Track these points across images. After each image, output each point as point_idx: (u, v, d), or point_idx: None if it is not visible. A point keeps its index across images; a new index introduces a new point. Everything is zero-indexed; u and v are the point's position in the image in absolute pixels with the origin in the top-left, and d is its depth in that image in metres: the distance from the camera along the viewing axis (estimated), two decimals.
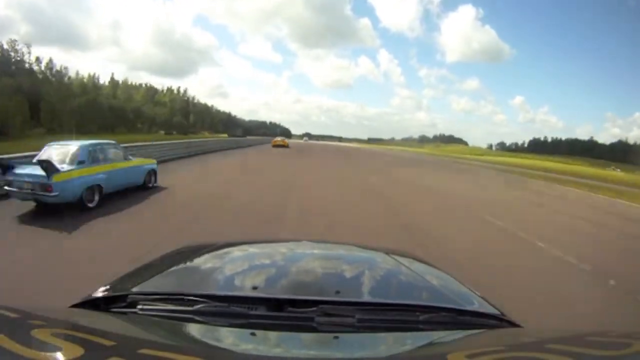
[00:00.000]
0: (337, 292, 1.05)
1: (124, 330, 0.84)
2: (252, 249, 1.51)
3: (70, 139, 7.25)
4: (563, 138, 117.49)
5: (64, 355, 0.60)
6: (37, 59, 45.31)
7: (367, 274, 1.25)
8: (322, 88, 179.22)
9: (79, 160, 5.95)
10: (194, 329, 0.85)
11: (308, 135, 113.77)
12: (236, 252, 1.46)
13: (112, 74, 70.83)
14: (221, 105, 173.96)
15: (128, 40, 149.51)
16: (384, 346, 0.90)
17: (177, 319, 0.87)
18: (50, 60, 48.99)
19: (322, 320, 0.87)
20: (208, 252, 1.37)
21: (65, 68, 50.37)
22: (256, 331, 0.83)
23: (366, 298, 1.07)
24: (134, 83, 72.62)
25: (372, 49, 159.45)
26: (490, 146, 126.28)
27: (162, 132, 50.94)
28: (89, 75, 61.78)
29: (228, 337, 0.85)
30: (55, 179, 5.32)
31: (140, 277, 1.15)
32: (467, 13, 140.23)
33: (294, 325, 0.86)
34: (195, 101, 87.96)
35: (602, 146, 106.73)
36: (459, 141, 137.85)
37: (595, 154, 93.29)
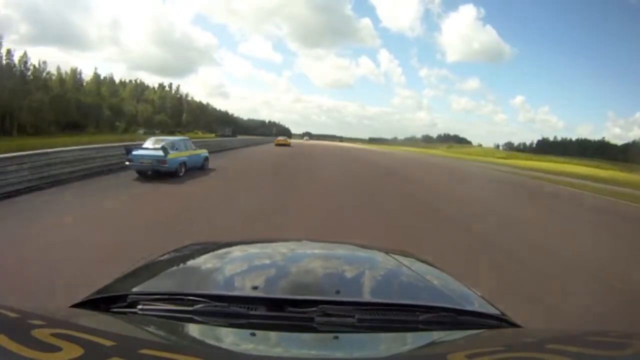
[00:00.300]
0: (337, 292, 1.04)
1: (124, 330, 0.84)
2: (252, 249, 1.51)
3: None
4: (573, 138, 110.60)
5: (64, 355, 0.59)
6: (9, 52, 39.05)
7: (367, 273, 1.24)
8: (322, 88, 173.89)
9: (175, 148, 10.02)
10: (194, 329, 0.86)
11: (309, 135, 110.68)
12: (236, 252, 1.46)
13: (95, 68, 64.34)
14: (222, 104, 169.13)
15: (128, 40, 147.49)
16: (384, 346, 0.91)
17: (177, 319, 0.87)
18: (25, 54, 42.50)
19: (322, 320, 0.87)
20: (208, 252, 1.37)
21: (44, 62, 44.71)
22: (256, 331, 0.83)
23: (366, 298, 1.06)
24: (124, 79, 65.89)
25: (373, 48, 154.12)
26: (497, 146, 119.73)
27: (141, 131, 44.51)
28: (71, 70, 54.84)
29: (228, 337, 0.85)
30: (168, 157, 9.36)
31: (140, 277, 1.16)
32: (468, 13, 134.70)
33: (294, 325, 0.87)
34: (189, 99, 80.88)
35: (614, 147, 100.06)
36: (463, 141, 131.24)
37: (607, 155, 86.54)
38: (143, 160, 9.45)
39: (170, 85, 78.96)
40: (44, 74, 47.63)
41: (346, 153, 32.21)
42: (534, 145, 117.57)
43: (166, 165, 9.42)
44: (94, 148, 10.51)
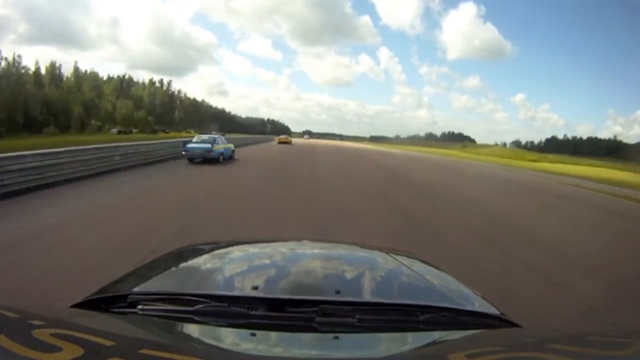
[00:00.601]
0: (338, 292, 1.04)
1: (124, 330, 0.84)
2: (252, 249, 1.51)
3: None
4: (583, 137, 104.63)
5: (64, 355, 0.59)
6: None
7: (367, 273, 1.23)
8: (322, 85, 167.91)
9: (216, 142, 14.48)
10: (194, 329, 0.86)
11: (309, 133, 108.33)
12: (236, 252, 1.46)
13: (75, 62, 58.13)
14: (222, 103, 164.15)
15: (127, 38, 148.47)
16: (384, 346, 0.91)
17: (177, 319, 0.88)
18: None
19: (322, 320, 0.87)
20: (208, 252, 1.38)
21: (19, 56, 39.07)
22: (256, 331, 0.83)
23: (366, 298, 1.06)
24: (112, 75, 59.73)
25: (373, 46, 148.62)
26: (504, 144, 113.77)
27: (115, 130, 38.49)
28: (50, 64, 49.17)
29: (228, 337, 0.85)
30: (214, 148, 13.85)
31: (140, 277, 1.16)
32: (468, 10, 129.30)
33: (294, 326, 0.86)
34: (182, 95, 74.96)
35: (626, 146, 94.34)
36: (467, 139, 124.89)
37: (620, 155, 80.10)
38: (195, 151, 13.90)
39: (161, 81, 72.67)
40: (19, 68, 41.97)
41: (355, 155, 26.13)
42: (542, 144, 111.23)
43: (212, 154, 13.85)
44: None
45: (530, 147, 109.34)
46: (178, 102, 74.90)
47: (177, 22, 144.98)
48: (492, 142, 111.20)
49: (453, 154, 55.07)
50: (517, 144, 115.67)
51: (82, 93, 47.49)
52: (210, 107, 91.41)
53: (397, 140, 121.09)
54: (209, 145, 13.75)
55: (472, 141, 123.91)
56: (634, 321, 2.97)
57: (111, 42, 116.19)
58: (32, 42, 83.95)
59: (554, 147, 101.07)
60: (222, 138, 15.80)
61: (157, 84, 72.76)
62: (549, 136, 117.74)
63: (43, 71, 49.27)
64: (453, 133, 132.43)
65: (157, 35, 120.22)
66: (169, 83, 73.95)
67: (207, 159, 13.63)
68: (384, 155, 33.00)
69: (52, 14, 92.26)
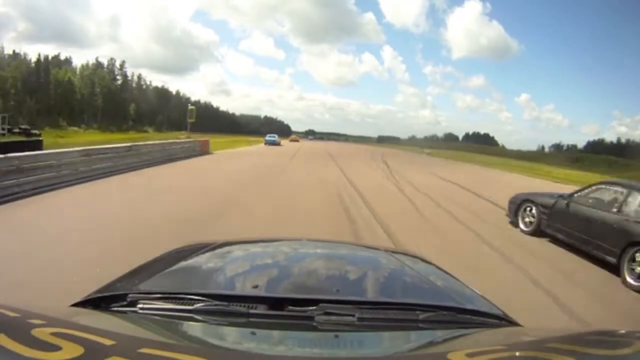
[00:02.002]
0: (338, 291, 1.08)
1: (124, 329, 0.87)
2: (253, 248, 1.50)
3: None
4: (633, 140, 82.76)
5: (64, 354, 0.59)
6: None
7: (367, 272, 1.24)
8: (325, 85, 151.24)
9: (276, 138, 43.95)
10: (195, 328, 0.89)
11: (312, 134, 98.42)
12: (236, 251, 1.45)
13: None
14: (224, 102, 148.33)
15: (127, 37, 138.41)
16: (385, 345, 0.95)
17: (178, 318, 0.91)
18: None
19: (322, 319, 0.90)
20: (208, 251, 1.37)
21: None
22: (256, 330, 0.87)
23: (367, 297, 1.10)
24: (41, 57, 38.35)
25: (377, 44, 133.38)
26: (542, 148, 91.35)
27: None
28: None
29: (228, 336, 0.89)
30: (277, 139, 44.14)
31: (141, 277, 1.18)
32: (473, 8, 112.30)
33: (295, 324, 0.90)
34: (142, 83, 52.72)
35: None
36: (491, 141, 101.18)
37: None
38: (269, 140, 38.78)
39: (111, 61, 50.16)
40: None
41: None
42: (589, 147, 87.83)
43: (276, 142, 39.31)
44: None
45: (574, 150, 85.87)
46: (134, 91, 52.69)
47: (178, 20, 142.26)
48: (513, 145, 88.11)
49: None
50: (557, 147, 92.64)
51: None
52: (188, 99, 69.97)
53: (411, 142, 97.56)
54: (275, 138, 38.18)
55: (496, 144, 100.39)
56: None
57: (111, 40, 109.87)
58: (31, 41, 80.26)
59: (604, 151, 78.30)
60: (276, 136, 41.19)
61: (107, 67, 50.74)
62: (592, 138, 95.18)
63: None
64: (478, 134, 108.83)
65: (157, 33, 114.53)
66: (121, 65, 52.42)
67: (273, 144, 36.44)
68: None
69: (51, 12, 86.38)
